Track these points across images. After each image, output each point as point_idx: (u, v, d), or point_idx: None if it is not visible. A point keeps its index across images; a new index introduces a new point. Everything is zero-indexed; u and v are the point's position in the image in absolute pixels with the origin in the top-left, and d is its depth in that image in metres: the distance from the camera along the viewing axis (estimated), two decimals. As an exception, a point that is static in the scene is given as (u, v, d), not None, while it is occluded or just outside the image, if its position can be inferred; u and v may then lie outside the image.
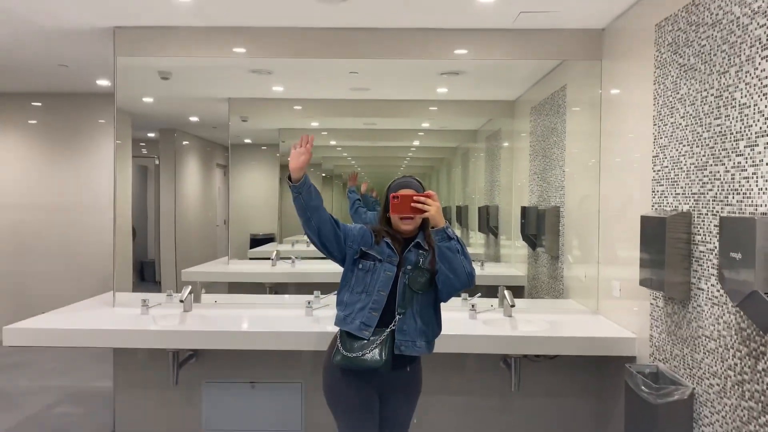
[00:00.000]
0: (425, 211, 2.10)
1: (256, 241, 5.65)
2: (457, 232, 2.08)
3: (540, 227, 3.85)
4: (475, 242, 5.08)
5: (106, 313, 3.28)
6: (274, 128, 5.34)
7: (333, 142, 5.56)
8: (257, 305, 3.45)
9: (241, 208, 5.40)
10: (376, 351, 2.12)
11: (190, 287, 3.24)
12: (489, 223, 4.84)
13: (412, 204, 2.12)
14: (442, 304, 2.31)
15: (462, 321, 3.12)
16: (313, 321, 3.03)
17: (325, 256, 2.26)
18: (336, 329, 2.26)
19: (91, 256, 5.75)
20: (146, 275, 7.01)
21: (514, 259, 4.58)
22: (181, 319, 3.13)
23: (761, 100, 1.94)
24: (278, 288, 4.57)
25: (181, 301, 3.18)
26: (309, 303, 3.14)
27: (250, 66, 3.74)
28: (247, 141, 5.65)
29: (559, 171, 3.69)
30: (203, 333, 2.89)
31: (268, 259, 4.73)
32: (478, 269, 2.21)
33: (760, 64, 1.95)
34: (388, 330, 2.15)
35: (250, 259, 5.33)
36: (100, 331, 2.93)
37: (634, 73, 2.92)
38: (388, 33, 3.32)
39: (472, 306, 3.20)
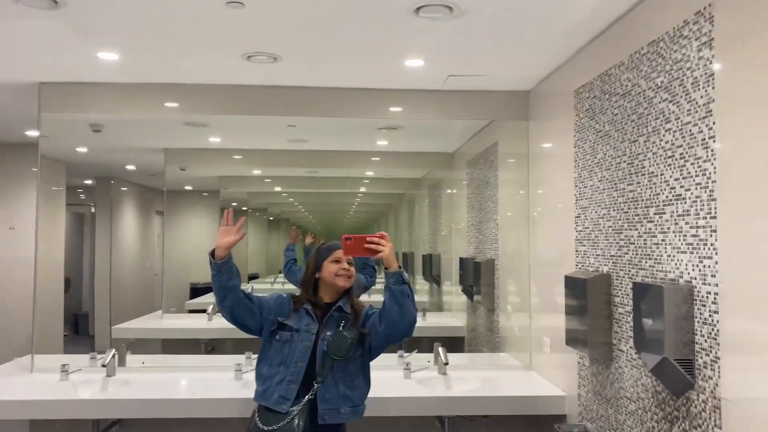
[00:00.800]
0: (379, 252, 2.09)
1: (197, 291, 5.48)
2: None
3: (477, 279, 3.88)
4: (421, 289, 5.08)
5: (23, 379, 3.09)
6: (215, 176, 5.26)
7: (278, 188, 5.52)
8: (185, 368, 3.32)
9: (181, 255, 5.24)
10: (295, 422, 2.07)
11: (113, 351, 3.09)
12: (432, 272, 4.86)
13: (366, 245, 2.11)
14: (375, 362, 2.27)
15: (396, 380, 3.08)
16: (243, 386, 2.93)
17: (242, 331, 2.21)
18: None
19: (20, 312, 5.44)
20: (80, 328, 6.70)
21: (455, 308, 4.60)
22: (102, 385, 2.98)
23: (666, 170, 2.03)
24: (215, 344, 4.42)
25: (104, 365, 3.03)
26: (238, 366, 3.05)
27: (185, 119, 3.70)
28: (188, 188, 5.54)
29: (493, 224, 3.75)
30: (124, 401, 2.75)
31: (206, 312, 4.58)
32: (420, 319, 2.19)
33: (664, 136, 2.05)
34: (305, 399, 2.10)
35: (189, 311, 5.16)
36: (12, 403, 2.75)
37: (557, 136, 3.03)
38: (323, 92, 3.35)
39: (407, 365, 3.17)
